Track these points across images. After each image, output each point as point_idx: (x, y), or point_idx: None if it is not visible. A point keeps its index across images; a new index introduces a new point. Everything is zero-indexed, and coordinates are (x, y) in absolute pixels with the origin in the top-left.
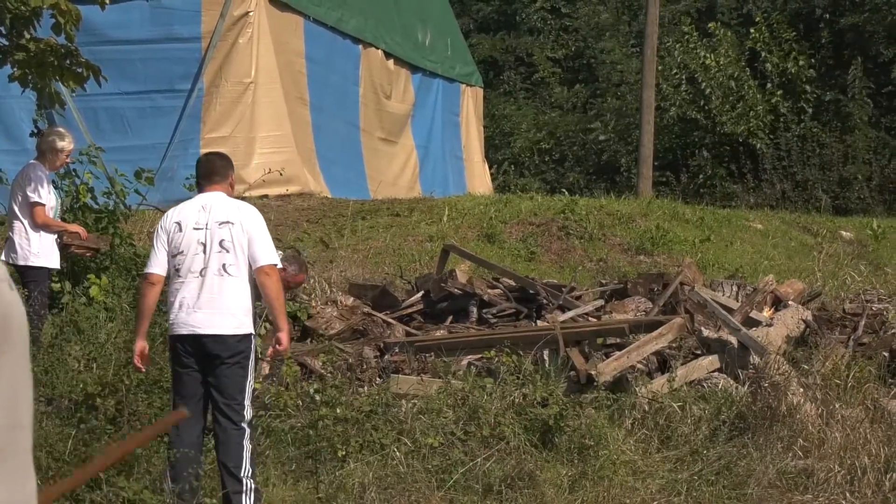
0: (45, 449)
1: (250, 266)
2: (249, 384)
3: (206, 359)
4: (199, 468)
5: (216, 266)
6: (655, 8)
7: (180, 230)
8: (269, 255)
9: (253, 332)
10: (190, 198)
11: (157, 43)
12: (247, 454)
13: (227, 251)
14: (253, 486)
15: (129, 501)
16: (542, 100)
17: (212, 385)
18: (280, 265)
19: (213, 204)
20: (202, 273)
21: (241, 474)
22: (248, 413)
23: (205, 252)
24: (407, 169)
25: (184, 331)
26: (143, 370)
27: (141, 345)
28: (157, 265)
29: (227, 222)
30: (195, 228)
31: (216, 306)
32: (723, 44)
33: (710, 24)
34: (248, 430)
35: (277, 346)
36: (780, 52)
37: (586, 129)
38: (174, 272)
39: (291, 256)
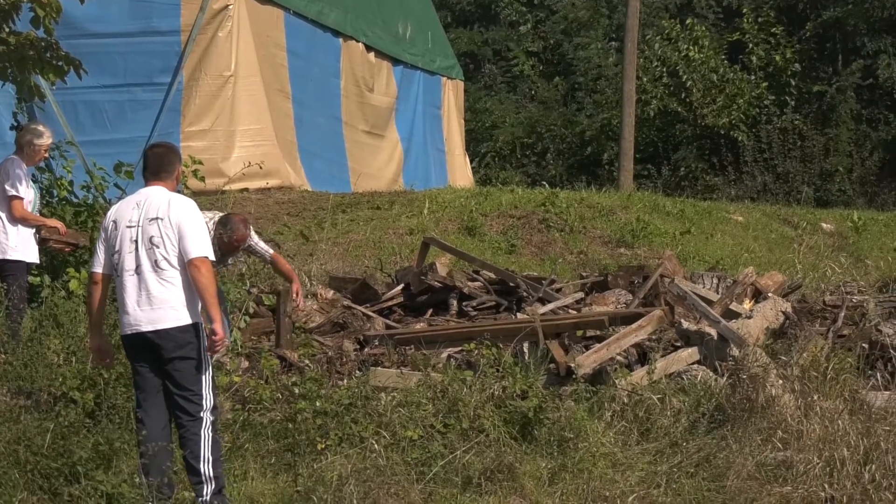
0: (23, 443)
1: None
2: (206, 373)
3: (155, 355)
4: (171, 461)
5: (149, 263)
6: (636, 0)
7: (116, 228)
8: (198, 248)
9: (200, 322)
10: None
11: (137, 36)
12: (205, 444)
13: (158, 247)
14: (212, 474)
15: (108, 495)
16: (523, 93)
17: (166, 378)
18: (211, 257)
19: (147, 200)
20: (137, 271)
21: (199, 465)
22: (206, 402)
23: (137, 250)
24: (392, 162)
25: (128, 330)
26: (111, 364)
27: (96, 342)
28: (98, 264)
29: (157, 218)
30: (128, 226)
31: (154, 302)
32: (702, 38)
33: (688, 21)
34: (206, 420)
35: (213, 336)
36: (766, 46)
37: (568, 122)
38: (114, 271)
39: (220, 221)
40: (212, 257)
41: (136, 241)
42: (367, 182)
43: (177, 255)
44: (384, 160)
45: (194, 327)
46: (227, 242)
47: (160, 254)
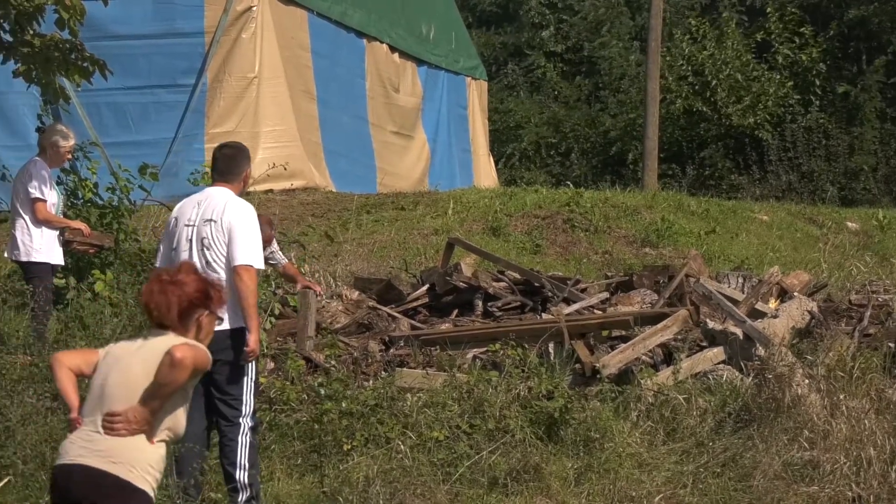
0: (50, 444)
1: None
2: (248, 378)
3: None
4: (203, 463)
5: (200, 264)
6: (659, 0)
7: (176, 225)
8: (244, 255)
9: (243, 327)
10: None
11: (160, 38)
12: (242, 450)
13: (208, 249)
14: (247, 482)
15: None
16: (546, 93)
17: (209, 381)
18: (259, 267)
19: (207, 200)
20: None
21: (235, 472)
22: (246, 408)
23: (191, 249)
24: (420, 163)
25: None
26: None
27: None
28: (159, 258)
29: (211, 220)
30: (186, 225)
31: None
32: (730, 35)
33: (723, 15)
34: (244, 426)
35: (245, 347)
36: (792, 45)
37: (591, 122)
38: None
39: None
40: (258, 266)
41: (191, 241)
42: (394, 182)
43: (225, 258)
44: (412, 161)
45: (235, 332)
46: None
47: (210, 256)
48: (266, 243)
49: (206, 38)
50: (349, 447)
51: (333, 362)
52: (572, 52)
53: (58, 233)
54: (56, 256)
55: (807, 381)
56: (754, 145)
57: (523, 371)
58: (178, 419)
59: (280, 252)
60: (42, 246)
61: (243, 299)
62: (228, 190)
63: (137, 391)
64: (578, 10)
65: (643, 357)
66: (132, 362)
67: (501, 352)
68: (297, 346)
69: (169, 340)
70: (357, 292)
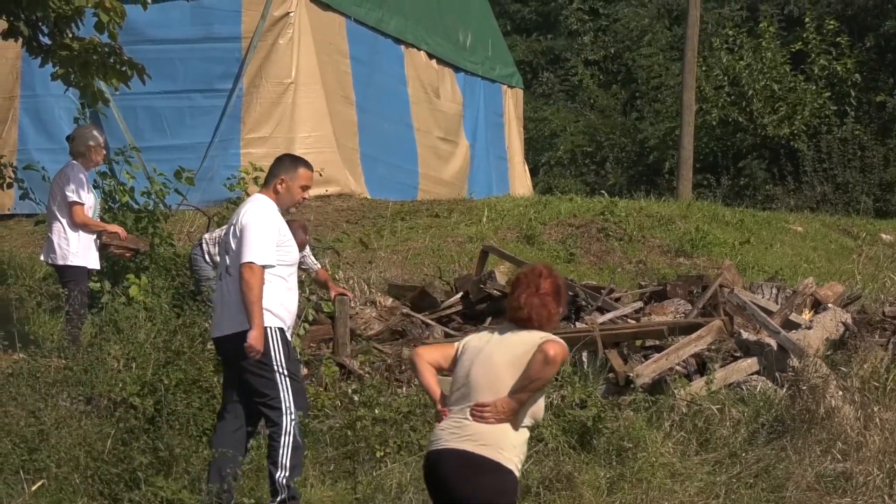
0: (84, 448)
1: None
2: (279, 378)
3: (228, 360)
4: (236, 468)
5: (224, 268)
6: (696, 10)
7: (226, 233)
8: (247, 252)
9: (269, 327)
10: (229, 198)
11: (197, 42)
12: (285, 451)
13: (227, 254)
14: (285, 483)
15: (168, 501)
16: (581, 102)
17: (244, 386)
18: (263, 262)
19: (241, 206)
20: (220, 276)
21: (276, 472)
22: (285, 407)
23: (223, 254)
24: (462, 169)
25: (211, 334)
26: None
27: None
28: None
29: (234, 224)
30: (226, 231)
31: (224, 307)
32: (769, 45)
33: (762, 24)
34: (286, 425)
35: (245, 343)
36: (828, 56)
37: (627, 131)
38: None
39: None
40: (261, 262)
41: (225, 247)
42: (436, 189)
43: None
44: (457, 166)
45: (241, 335)
46: None
47: (230, 259)
48: (300, 248)
49: (244, 44)
50: (382, 454)
51: (368, 369)
52: (610, 61)
53: (94, 236)
54: (92, 260)
55: (840, 392)
56: (789, 156)
57: (557, 379)
58: (539, 406)
59: (312, 257)
60: (79, 249)
61: (243, 295)
62: (259, 194)
63: (501, 381)
64: (618, 18)
65: (677, 367)
66: (493, 354)
67: None
68: (334, 352)
69: (532, 336)
70: (391, 299)
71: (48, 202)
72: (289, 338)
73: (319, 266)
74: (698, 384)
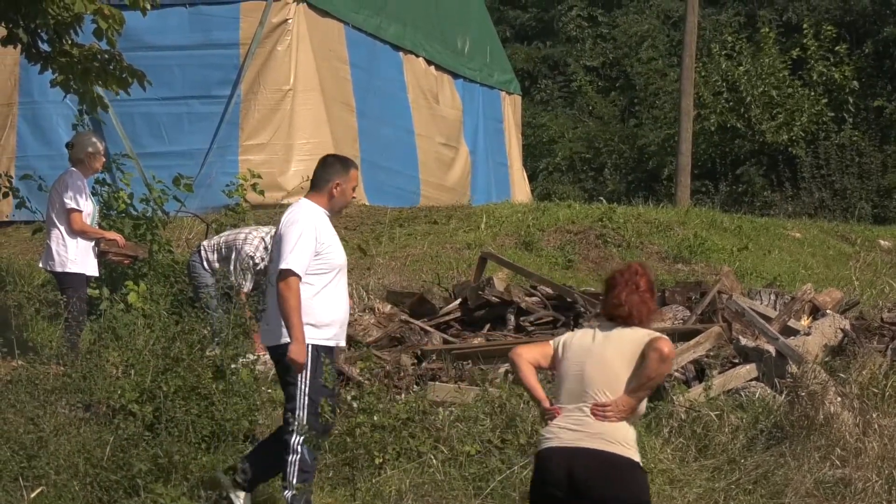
0: (83, 455)
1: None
2: (299, 392)
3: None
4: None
5: (270, 276)
6: (694, 17)
7: None
8: (283, 260)
9: (284, 342)
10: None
11: (195, 49)
12: (292, 469)
13: (273, 261)
14: (290, 494)
15: None
16: (580, 108)
17: None
18: (296, 271)
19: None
20: (267, 284)
21: (286, 491)
22: (298, 422)
23: (269, 263)
24: (464, 175)
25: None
26: None
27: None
28: None
29: (276, 231)
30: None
31: (269, 317)
32: (770, 51)
33: (763, 30)
34: (293, 443)
35: (286, 358)
36: (826, 62)
37: (626, 137)
38: None
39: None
40: (297, 270)
41: (271, 253)
42: (438, 194)
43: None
44: (458, 172)
45: (286, 347)
46: None
47: (272, 268)
48: None
49: (242, 50)
50: (381, 461)
51: (367, 375)
52: (609, 67)
53: (93, 244)
54: (91, 267)
55: (839, 398)
56: (787, 162)
57: None
58: (643, 403)
59: None
60: (77, 256)
61: (279, 307)
62: (305, 199)
63: (618, 379)
64: (617, 24)
65: (675, 373)
66: (606, 353)
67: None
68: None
69: (637, 333)
70: (389, 306)
71: (47, 209)
72: (334, 347)
73: None
74: (697, 390)
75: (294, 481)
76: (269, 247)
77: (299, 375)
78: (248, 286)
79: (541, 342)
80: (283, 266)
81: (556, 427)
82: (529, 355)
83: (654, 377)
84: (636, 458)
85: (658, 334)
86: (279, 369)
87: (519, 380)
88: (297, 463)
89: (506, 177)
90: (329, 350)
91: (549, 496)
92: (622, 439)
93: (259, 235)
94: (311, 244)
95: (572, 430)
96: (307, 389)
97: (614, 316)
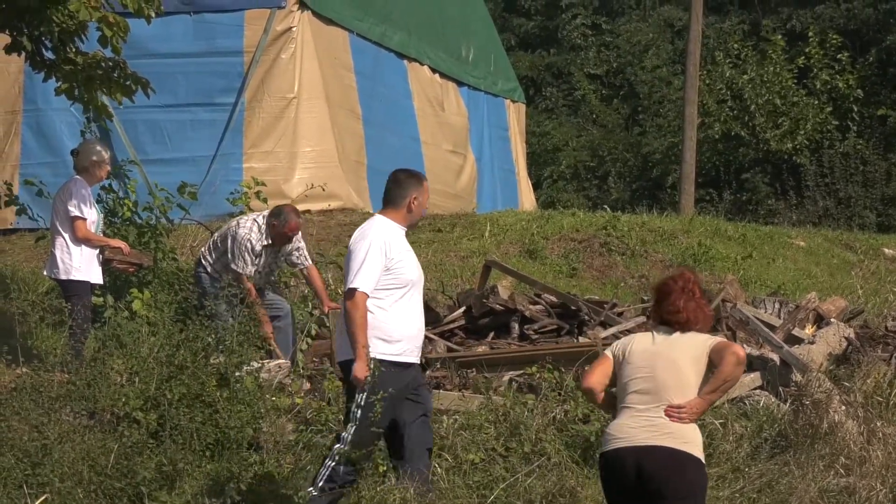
0: (87, 462)
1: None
2: (355, 407)
3: None
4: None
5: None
6: (698, 25)
7: None
8: (348, 279)
9: (351, 358)
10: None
11: (199, 56)
12: (324, 472)
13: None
14: (312, 491)
15: None
16: (584, 116)
17: None
18: (362, 289)
19: None
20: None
21: (311, 486)
22: (344, 434)
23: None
24: (471, 182)
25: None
26: None
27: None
28: None
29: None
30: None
31: (339, 332)
32: (777, 59)
33: (773, 37)
34: (333, 451)
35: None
36: (831, 71)
37: (630, 146)
38: None
39: (272, 212)
40: (362, 288)
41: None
42: (446, 202)
43: None
44: (465, 180)
45: (347, 364)
46: (281, 233)
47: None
48: (293, 231)
49: (246, 58)
50: (385, 468)
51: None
52: (613, 76)
53: (97, 251)
54: (95, 275)
55: (843, 407)
56: (792, 171)
57: (559, 394)
58: None
59: (306, 254)
60: (81, 264)
61: (346, 323)
62: (380, 216)
63: (688, 381)
64: (620, 33)
65: None
66: (676, 357)
67: (538, 375)
68: (333, 366)
69: (698, 338)
70: None
71: (51, 217)
72: (406, 363)
73: (310, 263)
74: None
75: (320, 483)
76: (263, 228)
77: (358, 393)
78: (249, 270)
79: (599, 361)
80: (349, 284)
81: (626, 427)
82: (598, 382)
83: (729, 379)
84: (702, 457)
85: (722, 339)
86: (346, 383)
87: (602, 409)
88: (330, 468)
89: (513, 184)
90: (398, 365)
91: (621, 493)
92: (693, 439)
93: (252, 217)
94: (380, 260)
95: (647, 429)
96: (363, 404)
97: (671, 322)
